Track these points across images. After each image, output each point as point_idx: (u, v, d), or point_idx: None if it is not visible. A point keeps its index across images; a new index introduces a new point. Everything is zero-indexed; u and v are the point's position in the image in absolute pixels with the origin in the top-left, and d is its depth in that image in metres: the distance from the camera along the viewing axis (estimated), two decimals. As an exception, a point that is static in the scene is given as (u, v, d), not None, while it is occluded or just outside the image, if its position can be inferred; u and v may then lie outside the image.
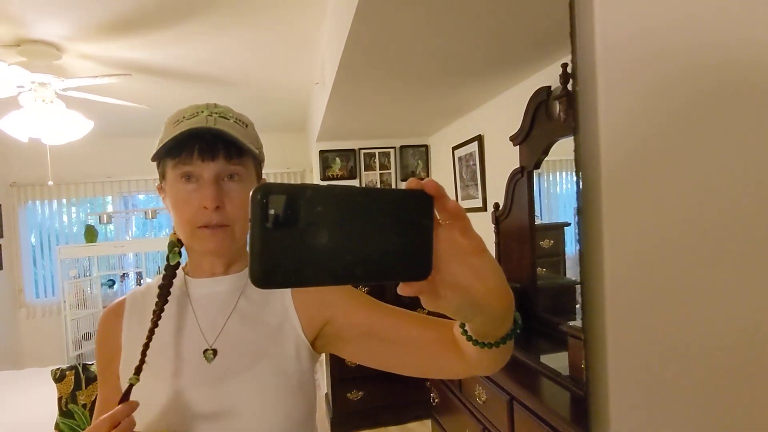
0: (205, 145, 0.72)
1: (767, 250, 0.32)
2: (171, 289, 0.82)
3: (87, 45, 2.42)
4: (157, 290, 0.83)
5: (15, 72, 2.23)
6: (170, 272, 0.82)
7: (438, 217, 0.39)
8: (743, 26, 0.32)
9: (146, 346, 0.75)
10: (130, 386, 0.72)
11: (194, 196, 0.73)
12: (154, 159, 0.77)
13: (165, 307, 0.80)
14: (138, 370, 0.73)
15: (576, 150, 0.48)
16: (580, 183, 0.49)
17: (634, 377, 0.46)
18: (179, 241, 0.82)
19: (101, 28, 2.25)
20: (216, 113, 0.76)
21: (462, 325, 0.52)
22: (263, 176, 0.86)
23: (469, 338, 0.51)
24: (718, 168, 0.35)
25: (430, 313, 0.71)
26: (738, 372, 0.36)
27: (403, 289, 0.38)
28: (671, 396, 0.42)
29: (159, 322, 0.79)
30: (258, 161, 0.82)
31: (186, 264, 0.86)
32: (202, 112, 0.75)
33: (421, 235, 0.38)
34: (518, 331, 0.51)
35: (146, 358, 0.76)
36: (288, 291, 0.83)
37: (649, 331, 0.44)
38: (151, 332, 0.76)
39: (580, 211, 0.47)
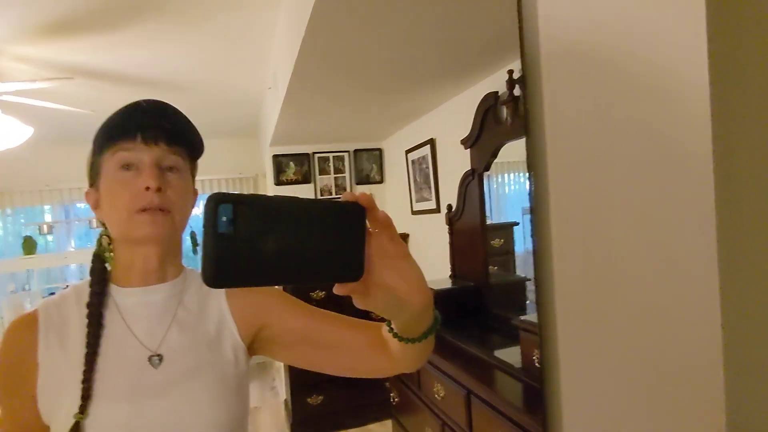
0: (149, 131, 0.72)
1: (694, 244, 0.37)
2: (88, 300, 0.76)
3: (24, 47, 2.31)
4: (75, 299, 0.78)
5: (-56, 76, 2.10)
6: (100, 287, 0.77)
7: (369, 227, 0.45)
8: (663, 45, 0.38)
9: (89, 379, 0.70)
10: (77, 424, 0.67)
11: (134, 182, 0.72)
12: (95, 141, 0.75)
13: (84, 319, 0.75)
14: (83, 408, 0.68)
15: (527, 153, 0.54)
16: (532, 184, 0.55)
17: (582, 367, 0.51)
18: (109, 245, 0.80)
19: (40, 30, 2.15)
20: (152, 102, 0.76)
21: (389, 324, 0.58)
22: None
23: (395, 335, 0.58)
24: (646, 169, 0.41)
25: (358, 315, 0.76)
26: (673, 362, 0.41)
27: (338, 290, 0.44)
28: (617, 383, 0.47)
29: (84, 336, 0.73)
30: (193, 159, 0.81)
31: (111, 270, 0.80)
32: (141, 103, 0.76)
33: (354, 242, 0.43)
34: (438, 327, 0.58)
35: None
36: (223, 298, 0.84)
37: (595, 325, 0.50)
38: (91, 362, 0.71)
39: (532, 211, 0.53)
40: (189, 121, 0.80)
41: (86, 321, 0.74)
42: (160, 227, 0.73)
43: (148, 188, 0.71)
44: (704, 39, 0.33)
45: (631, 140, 0.42)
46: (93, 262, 0.80)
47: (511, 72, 2.02)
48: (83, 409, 0.68)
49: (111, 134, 0.73)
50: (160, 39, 2.34)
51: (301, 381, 3.31)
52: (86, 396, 0.69)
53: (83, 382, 0.70)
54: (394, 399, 2.62)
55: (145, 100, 0.75)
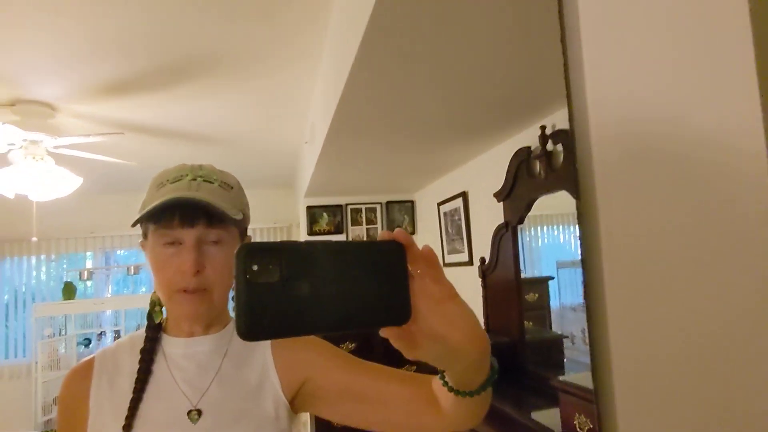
0: (187, 213, 0.72)
1: (734, 258, 0.36)
2: (143, 348, 0.79)
3: (81, 105, 2.48)
4: (129, 348, 0.81)
5: (8, 130, 2.26)
6: (153, 334, 0.80)
7: (410, 268, 0.41)
8: (706, 107, 0.38)
9: (129, 425, 0.72)
10: None
11: (174, 260, 0.72)
12: (134, 225, 0.76)
13: (135, 366, 0.78)
14: None
15: (578, 215, 0.53)
16: (583, 247, 0.54)
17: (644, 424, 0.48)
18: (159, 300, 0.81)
19: (96, 89, 2.32)
20: (200, 177, 0.75)
21: (442, 376, 0.52)
22: (249, 235, 0.86)
23: (450, 389, 0.52)
24: (691, 207, 0.40)
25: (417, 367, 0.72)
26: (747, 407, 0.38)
27: (384, 333, 0.40)
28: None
29: (132, 383, 0.76)
30: (242, 224, 0.80)
31: (164, 320, 0.83)
32: (186, 176, 0.75)
33: (396, 281, 0.40)
34: (496, 377, 0.52)
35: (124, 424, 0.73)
36: (268, 350, 0.82)
37: (660, 392, 0.47)
38: (134, 408, 0.73)
39: (583, 265, 0.52)
40: (232, 189, 0.79)
41: (137, 367, 0.77)
42: (198, 306, 0.74)
43: (185, 271, 0.72)
44: (758, 105, 0.33)
45: (687, 200, 0.41)
46: (149, 312, 0.83)
47: (543, 128, 2.05)
48: None
49: (151, 217, 0.73)
50: (203, 97, 2.48)
51: (328, 435, 3.20)
52: None
53: (124, 428, 0.72)
54: (424, 461, 2.50)
55: (181, 199, 0.72)
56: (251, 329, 0.35)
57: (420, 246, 0.42)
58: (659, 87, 0.43)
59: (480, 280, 2.66)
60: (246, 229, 0.84)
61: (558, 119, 2.05)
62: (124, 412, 0.73)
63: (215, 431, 0.74)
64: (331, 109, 1.96)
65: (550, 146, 2.03)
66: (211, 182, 0.76)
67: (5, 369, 4.39)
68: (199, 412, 0.75)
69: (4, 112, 2.44)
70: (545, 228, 2.32)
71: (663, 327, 0.44)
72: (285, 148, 3.51)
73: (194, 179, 0.75)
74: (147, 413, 0.74)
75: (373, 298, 0.38)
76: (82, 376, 0.79)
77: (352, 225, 3.92)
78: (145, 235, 0.78)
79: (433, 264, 0.41)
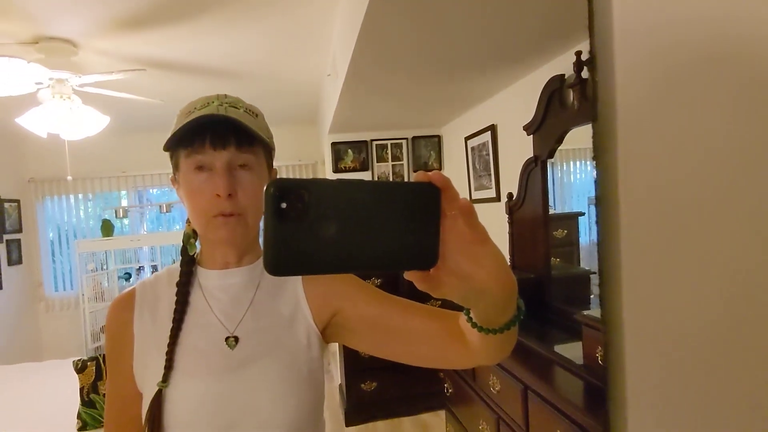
0: (216, 133, 0.74)
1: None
2: (180, 281, 0.83)
3: (102, 41, 2.45)
4: (167, 280, 0.85)
5: (34, 69, 2.26)
6: (187, 268, 0.83)
7: (444, 209, 0.40)
8: (748, 21, 0.32)
9: (171, 351, 0.76)
10: (160, 391, 0.74)
11: (207, 186, 0.74)
12: (166, 148, 0.78)
13: (173, 297, 0.81)
14: (166, 377, 0.75)
15: (594, 137, 0.49)
16: (598, 172, 0.50)
17: (650, 363, 0.46)
18: (194, 232, 0.84)
19: (116, 24, 2.27)
20: (226, 103, 0.77)
21: (467, 312, 0.53)
22: (275, 167, 0.87)
23: (474, 325, 0.52)
24: (729, 151, 0.36)
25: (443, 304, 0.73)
26: (757, 354, 0.36)
27: (409, 276, 0.41)
28: (688, 380, 0.42)
29: (171, 313, 0.80)
30: (268, 150, 0.83)
31: (198, 254, 0.87)
32: (213, 102, 0.77)
33: (428, 226, 0.39)
34: (521, 317, 0.52)
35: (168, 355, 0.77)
36: (299, 282, 0.85)
37: (665, 318, 0.45)
38: (175, 335, 0.78)
39: (597, 200, 0.48)
40: (257, 117, 0.81)
41: (175, 299, 0.81)
42: (233, 231, 0.76)
43: (219, 195, 0.74)
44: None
45: (718, 127, 0.37)
46: (183, 245, 0.86)
47: (579, 53, 1.91)
48: (166, 378, 0.75)
49: (182, 140, 0.75)
50: (223, 30, 2.41)
51: (356, 366, 3.35)
52: (169, 366, 0.76)
53: (167, 354, 0.76)
54: (448, 390, 2.59)
55: (210, 115, 0.74)
56: (277, 265, 0.35)
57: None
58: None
59: (507, 216, 2.63)
60: (272, 158, 0.85)
61: (594, 44, 1.92)
62: (166, 340, 0.78)
63: (252, 357, 0.78)
64: (352, 42, 1.87)
65: (585, 73, 1.91)
66: (237, 108, 0.77)
67: (56, 301, 4.71)
68: (236, 339, 0.79)
69: (28, 50, 2.43)
70: (578, 163, 2.24)
71: (680, 264, 0.41)
72: (308, 81, 3.43)
73: (221, 104, 0.76)
74: (187, 340, 0.78)
75: (401, 241, 0.38)
76: (125, 306, 0.83)
77: (377, 161, 3.88)
78: (176, 167, 0.80)
79: (467, 213, 0.40)
